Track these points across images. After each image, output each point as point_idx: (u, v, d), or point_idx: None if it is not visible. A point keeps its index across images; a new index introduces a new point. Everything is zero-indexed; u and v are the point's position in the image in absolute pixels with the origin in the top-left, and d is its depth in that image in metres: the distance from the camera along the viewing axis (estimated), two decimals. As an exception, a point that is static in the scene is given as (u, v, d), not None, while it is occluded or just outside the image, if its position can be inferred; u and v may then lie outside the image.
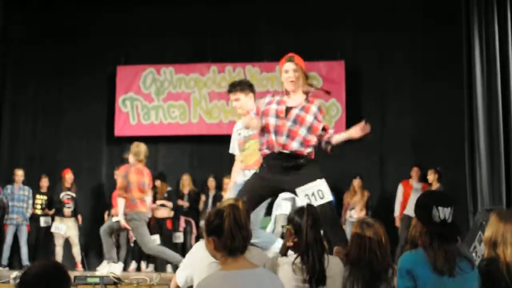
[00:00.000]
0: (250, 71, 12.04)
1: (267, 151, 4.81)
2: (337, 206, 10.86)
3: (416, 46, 11.50)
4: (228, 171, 11.57)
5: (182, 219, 11.16)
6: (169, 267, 10.77)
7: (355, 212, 10.71)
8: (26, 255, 10.90)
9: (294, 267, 3.50)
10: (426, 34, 11.41)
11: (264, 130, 4.81)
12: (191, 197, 11.27)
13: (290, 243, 3.68)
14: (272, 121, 4.76)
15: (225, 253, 2.97)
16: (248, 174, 5.51)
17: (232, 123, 11.80)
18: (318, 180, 4.66)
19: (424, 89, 11.36)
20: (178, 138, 11.99)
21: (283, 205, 6.88)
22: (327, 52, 11.75)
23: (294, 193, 4.76)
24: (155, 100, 12.10)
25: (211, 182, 11.47)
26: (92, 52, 12.14)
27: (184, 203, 11.25)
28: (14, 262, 10.99)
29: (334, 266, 3.63)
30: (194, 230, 11.14)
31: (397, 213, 10.92)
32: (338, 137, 4.88)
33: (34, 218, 11.15)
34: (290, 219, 3.72)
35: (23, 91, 12.26)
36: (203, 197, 11.46)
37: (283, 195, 6.53)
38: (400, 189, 11.03)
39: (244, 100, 5.79)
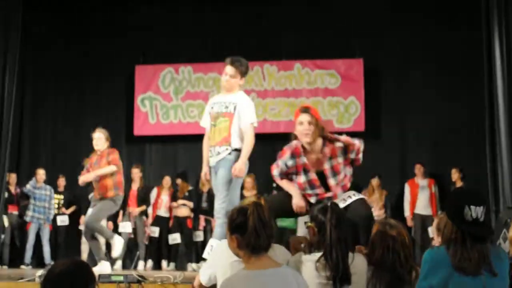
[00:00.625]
0: (268, 70, 12.04)
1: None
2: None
3: (435, 44, 11.43)
4: (249, 170, 11.64)
5: (202, 218, 11.16)
6: (189, 266, 10.80)
7: (373, 211, 10.66)
8: (49, 253, 10.99)
9: (318, 265, 3.49)
10: (445, 33, 11.35)
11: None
12: (210, 196, 11.25)
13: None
14: (311, 193, 4.87)
15: (248, 251, 2.95)
16: (218, 150, 5.58)
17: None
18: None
19: (443, 87, 11.32)
20: (197, 137, 11.94)
21: None
22: (345, 50, 11.73)
23: None
24: (174, 99, 12.14)
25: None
26: (110, 52, 12.19)
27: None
28: (36, 261, 11.05)
29: (359, 263, 3.61)
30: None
31: (407, 213, 10.94)
32: None
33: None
34: (313, 217, 3.70)
35: (42, 91, 12.35)
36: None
37: None
38: (407, 189, 11.04)
39: (236, 80, 5.72)
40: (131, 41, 12.13)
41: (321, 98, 11.80)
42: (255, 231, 2.92)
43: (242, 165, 5.47)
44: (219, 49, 12.16)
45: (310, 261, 3.54)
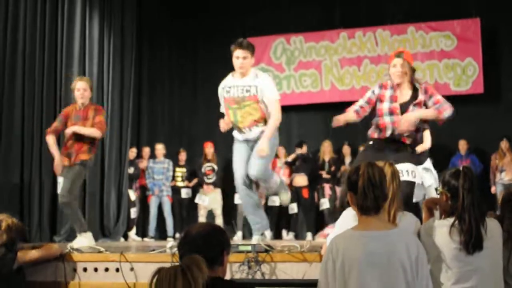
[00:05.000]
0: (381, 35, 11.84)
1: (377, 136, 5.26)
2: (484, 169, 10.55)
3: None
4: (362, 138, 11.52)
5: (327, 187, 11.12)
6: (309, 235, 10.84)
7: (506, 174, 10.32)
8: (172, 226, 11.25)
9: (452, 229, 3.42)
10: None
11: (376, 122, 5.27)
12: (331, 164, 11.20)
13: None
14: (387, 119, 5.16)
15: (358, 210, 2.96)
16: (254, 130, 5.86)
17: (364, 89, 11.73)
18: (413, 165, 5.05)
19: None
20: (311, 106, 11.99)
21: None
22: (461, 10, 11.33)
23: None
24: (286, 69, 12.17)
25: (346, 149, 11.41)
26: (221, 25, 12.27)
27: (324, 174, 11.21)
28: (160, 233, 11.38)
29: (494, 228, 3.51)
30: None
31: None
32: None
33: (175, 190, 11.50)
34: (445, 182, 3.61)
35: (157, 70, 12.55)
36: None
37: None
38: None
39: (250, 61, 5.82)
40: (242, 13, 12.19)
41: (436, 61, 11.53)
42: (363, 192, 2.91)
43: (266, 144, 5.71)
44: (330, 17, 12.08)
45: (443, 226, 3.48)
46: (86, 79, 6.91)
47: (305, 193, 11.20)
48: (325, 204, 11.00)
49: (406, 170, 4.91)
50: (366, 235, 2.87)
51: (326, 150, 11.26)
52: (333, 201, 11.00)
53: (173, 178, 11.54)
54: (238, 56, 5.77)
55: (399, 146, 5.14)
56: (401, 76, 5.16)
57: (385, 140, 5.20)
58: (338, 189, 10.94)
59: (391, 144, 5.16)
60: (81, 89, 6.55)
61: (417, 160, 5.23)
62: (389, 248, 2.81)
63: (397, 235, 2.91)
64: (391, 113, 5.14)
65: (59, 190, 6.45)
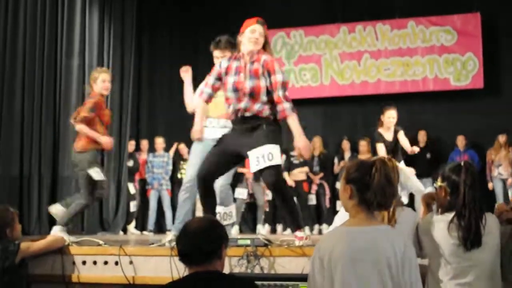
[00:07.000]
0: (381, 29, 11.83)
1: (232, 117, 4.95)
2: (481, 163, 10.55)
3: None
4: (362, 133, 11.54)
5: (314, 182, 11.15)
6: (306, 229, 10.82)
7: (503, 169, 10.32)
8: (170, 219, 11.21)
9: (452, 225, 3.41)
10: None
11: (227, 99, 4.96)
12: (321, 160, 11.22)
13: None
14: (231, 95, 4.87)
15: (360, 205, 2.90)
16: (224, 123, 5.61)
17: (364, 83, 11.74)
18: (271, 145, 4.70)
19: None
20: (311, 100, 11.97)
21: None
22: (462, 5, 11.32)
23: (246, 156, 4.80)
24: (286, 63, 12.15)
25: (345, 144, 11.40)
26: (220, 16, 12.24)
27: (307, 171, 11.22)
28: (158, 227, 11.38)
29: (492, 223, 3.51)
30: (328, 192, 11.09)
31: None
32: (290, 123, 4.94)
33: (179, 183, 11.45)
34: (446, 177, 3.58)
35: (157, 61, 12.54)
36: (336, 160, 11.43)
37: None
38: None
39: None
40: (241, 8, 12.15)
41: (436, 55, 11.53)
42: (381, 189, 2.86)
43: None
44: (330, 11, 12.05)
45: (442, 222, 3.47)
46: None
47: (306, 187, 11.19)
48: (311, 200, 11.05)
49: (262, 156, 4.66)
50: (352, 230, 2.84)
51: (316, 146, 11.21)
52: (322, 196, 11.02)
53: (178, 170, 11.52)
54: (218, 56, 5.70)
55: (254, 125, 4.80)
56: (258, 44, 4.87)
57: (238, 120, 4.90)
58: (326, 185, 10.98)
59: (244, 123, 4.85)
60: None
61: (274, 138, 4.79)
62: (374, 244, 2.79)
63: (384, 232, 2.88)
64: (235, 89, 4.83)
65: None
